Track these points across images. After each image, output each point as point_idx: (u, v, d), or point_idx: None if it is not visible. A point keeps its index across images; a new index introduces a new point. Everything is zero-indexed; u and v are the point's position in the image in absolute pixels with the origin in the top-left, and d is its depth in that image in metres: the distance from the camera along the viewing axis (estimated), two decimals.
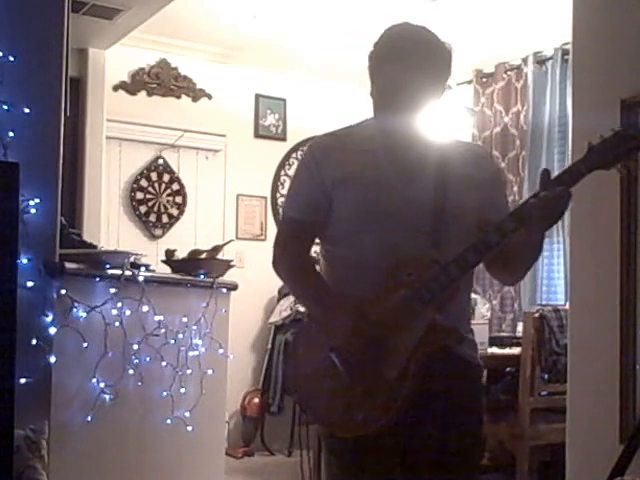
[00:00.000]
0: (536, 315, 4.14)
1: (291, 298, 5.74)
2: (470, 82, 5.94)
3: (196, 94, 5.90)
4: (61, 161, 3.12)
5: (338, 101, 6.02)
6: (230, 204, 6.01)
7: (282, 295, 5.89)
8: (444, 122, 5.81)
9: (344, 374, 1.84)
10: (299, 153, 6.23)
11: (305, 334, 2.03)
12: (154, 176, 5.78)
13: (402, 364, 1.82)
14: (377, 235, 1.91)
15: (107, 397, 3.18)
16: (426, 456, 1.91)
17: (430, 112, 1.98)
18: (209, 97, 5.93)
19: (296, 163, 6.21)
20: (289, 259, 2.03)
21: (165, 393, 3.39)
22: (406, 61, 1.91)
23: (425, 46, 1.94)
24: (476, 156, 2.06)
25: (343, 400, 1.85)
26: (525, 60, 5.53)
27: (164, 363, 3.39)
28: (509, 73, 5.69)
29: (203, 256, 3.86)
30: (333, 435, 1.94)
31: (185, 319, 3.49)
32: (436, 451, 1.90)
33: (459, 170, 1.96)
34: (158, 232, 5.77)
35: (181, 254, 3.91)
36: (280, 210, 6.15)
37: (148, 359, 3.32)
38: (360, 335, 1.84)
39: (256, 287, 5.64)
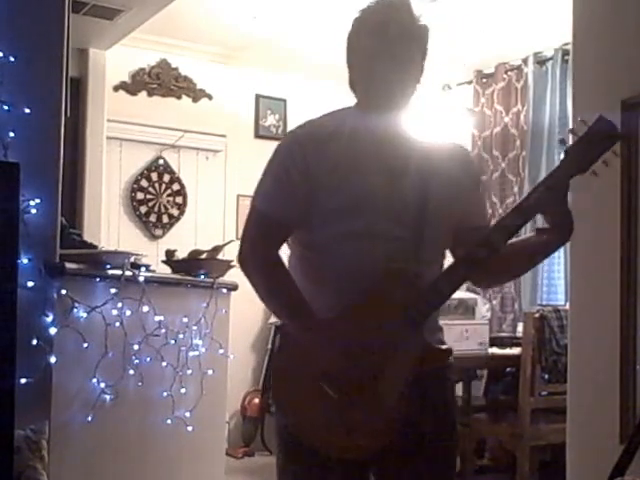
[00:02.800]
0: (536, 315, 4.14)
1: None
2: (470, 82, 5.94)
3: (196, 94, 5.90)
4: (61, 161, 3.12)
5: (338, 101, 6.01)
6: (230, 204, 6.02)
7: None
8: (444, 122, 5.85)
9: (340, 402, 1.75)
10: None
11: (289, 355, 1.87)
12: (154, 176, 5.78)
13: (399, 389, 1.76)
14: (361, 241, 1.79)
15: (107, 397, 3.18)
16: (400, 461, 1.85)
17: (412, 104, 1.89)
18: (209, 97, 5.93)
19: None
20: (260, 258, 1.86)
21: (165, 393, 3.39)
22: (397, 51, 1.83)
23: (414, 31, 1.89)
24: (461, 160, 1.96)
25: (343, 426, 1.76)
26: (525, 60, 5.53)
27: (164, 363, 3.39)
28: (509, 73, 5.69)
29: (203, 256, 3.86)
30: (326, 458, 1.80)
31: (185, 319, 3.49)
32: (412, 455, 1.84)
33: (443, 172, 1.86)
34: (158, 232, 5.77)
35: (181, 254, 3.91)
36: None
37: (148, 359, 3.32)
38: (352, 360, 1.73)
39: None
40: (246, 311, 5.54)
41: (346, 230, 1.79)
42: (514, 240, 1.82)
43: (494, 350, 4.48)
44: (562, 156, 1.77)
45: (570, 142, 1.78)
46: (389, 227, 1.80)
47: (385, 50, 1.82)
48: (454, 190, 1.86)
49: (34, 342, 2.89)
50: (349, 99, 1.99)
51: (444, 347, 1.89)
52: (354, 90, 1.93)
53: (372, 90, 1.86)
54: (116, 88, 5.64)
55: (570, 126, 3.37)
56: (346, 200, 1.79)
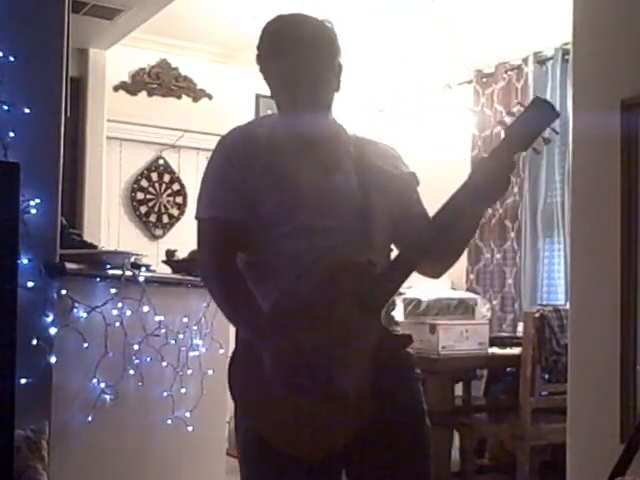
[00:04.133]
0: (536, 315, 4.14)
1: None
2: (470, 82, 5.94)
3: (196, 94, 5.91)
4: (61, 161, 3.12)
5: (337, 101, 6.02)
6: None
7: None
8: (444, 122, 5.85)
9: (306, 403, 1.73)
10: None
11: (247, 360, 1.82)
12: (154, 176, 5.79)
13: (360, 380, 1.73)
14: (306, 233, 1.80)
15: (107, 397, 3.18)
16: (371, 463, 1.82)
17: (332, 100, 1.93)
18: (209, 97, 5.94)
19: None
20: (219, 267, 1.84)
21: (166, 393, 3.39)
22: (290, 55, 1.85)
23: (304, 32, 1.90)
24: (389, 154, 1.99)
25: (308, 426, 1.74)
26: (525, 60, 5.53)
27: (165, 363, 3.39)
28: (509, 73, 5.69)
29: None
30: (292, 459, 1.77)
31: (186, 319, 3.49)
32: (383, 458, 1.82)
33: (376, 164, 1.91)
34: (158, 232, 5.77)
35: (182, 254, 3.91)
36: None
37: (149, 359, 3.32)
38: (312, 357, 1.72)
39: None
40: None
41: (286, 229, 1.80)
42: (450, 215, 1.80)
43: (494, 350, 4.47)
44: (502, 136, 1.80)
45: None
46: (331, 220, 1.81)
47: (297, 57, 1.85)
48: (387, 181, 1.90)
49: (34, 342, 2.89)
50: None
51: (402, 333, 1.88)
52: (275, 99, 1.94)
53: (295, 94, 1.87)
54: (116, 88, 5.64)
55: (570, 126, 3.37)
56: (282, 199, 1.81)
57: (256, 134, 1.89)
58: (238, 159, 1.83)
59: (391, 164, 1.96)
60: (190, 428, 3.44)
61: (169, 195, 5.83)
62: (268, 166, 1.83)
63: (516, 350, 4.36)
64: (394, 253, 1.93)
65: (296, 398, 1.73)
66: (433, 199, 1.90)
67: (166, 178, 5.83)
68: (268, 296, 1.80)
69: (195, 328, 3.51)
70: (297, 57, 1.86)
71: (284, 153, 1.85)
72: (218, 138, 1.92)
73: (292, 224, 1.80)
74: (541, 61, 5.48)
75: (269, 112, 2.12)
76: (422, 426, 1.90)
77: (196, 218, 1.89)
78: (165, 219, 5.81)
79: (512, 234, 5.52)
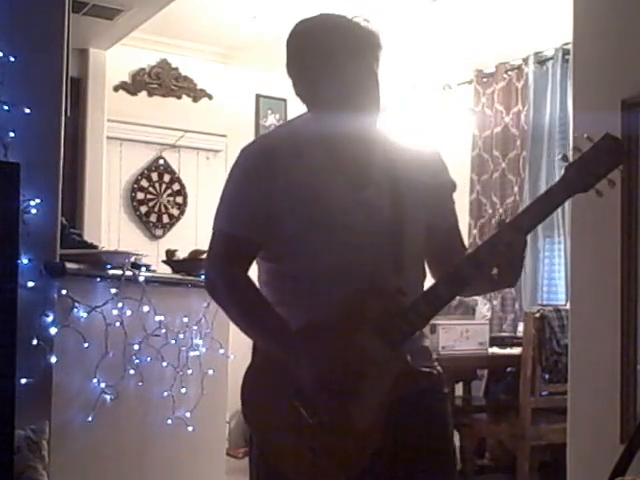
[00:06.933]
0: (537, 315, 4.14)
1: None
2: (470, 82, 5.94)
3: (197, 94, 5.91)
4: (62, 161, 3.12)
5: None
6: None
7: None
8: (444, 122, 5.85)
9: (313, 425, 1.66)
10: None
11: (259, 375, 1.81)
12: (155, 176, 5.78)
13: (373, 413, 1.66)
14: (331, 253, 1.71)
15: (108, 397, 3.18)
16: None
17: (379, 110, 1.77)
18: (210, 97, 5.94)
19: None
20: (229, 283, 1.78)
21: (166, 393, 3.39)
22: (350, 56, 1.73)
23: (366, 37, 1.77)
24: (429, 160, 1.87)
25: (312, 450, 1.67)
26: (526, 60, 5.53)
27: (165, 363, 3.39)
28: (510, 73, 5.69)
29: (204, 256, 3.86)
30: None
31: (186, 319, 3.49)
32: None
33: (411, 175, 1.78)
34: (159, 232, 5.77)
35: (182, 254, 3.91)
36: None
37: (149, 359, 3.32)
38: (326, 381, 1.64)
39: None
40: None
41: (318, 246, 1.72)
42: None
43: (494, 350, 4.48)
44: (562, 172, 1.67)
45: (572, 159, 1.67)
46: (362, 237, 1.71)
47: (350, 57, 1.75)
48: (422, 194, 1.79)
49: (34, 342, 2.89)
50: None
51: (426, 369, 1.78)
52: (308, 99, 1.82)
53: (343, 93, 1.74)
54: (116, 88, 5.64)
55: (571, 126, 3.37)
56: (313, 218, 1.72)
57: (281, 147, 1.77)
58: (259, 176, 1.74)
59: (429, 172, 1.84)
60: (190, 428, 3.44)
61: (169, 195, 5.82)
62: (295, 184, 1.72)
63: (516, 350, 4.37)
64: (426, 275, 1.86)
65: (304, 417, 1.67)
66: None
67: (166, 178, 5.82)
68: (290, 306, 1.75)
69: (195, 328, 3.51)
70: (365, 61, 1.75)
71: (308, 168, 1.74)
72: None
73: (318, 240, 1.71)
74: (541, 61, 5.48)
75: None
76: (447, 473, 1.80)
77: (213, 229, 1.85)
78: (165, 219, 5.80)
79: None
